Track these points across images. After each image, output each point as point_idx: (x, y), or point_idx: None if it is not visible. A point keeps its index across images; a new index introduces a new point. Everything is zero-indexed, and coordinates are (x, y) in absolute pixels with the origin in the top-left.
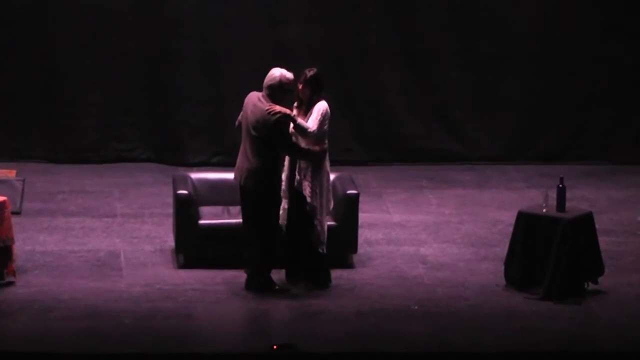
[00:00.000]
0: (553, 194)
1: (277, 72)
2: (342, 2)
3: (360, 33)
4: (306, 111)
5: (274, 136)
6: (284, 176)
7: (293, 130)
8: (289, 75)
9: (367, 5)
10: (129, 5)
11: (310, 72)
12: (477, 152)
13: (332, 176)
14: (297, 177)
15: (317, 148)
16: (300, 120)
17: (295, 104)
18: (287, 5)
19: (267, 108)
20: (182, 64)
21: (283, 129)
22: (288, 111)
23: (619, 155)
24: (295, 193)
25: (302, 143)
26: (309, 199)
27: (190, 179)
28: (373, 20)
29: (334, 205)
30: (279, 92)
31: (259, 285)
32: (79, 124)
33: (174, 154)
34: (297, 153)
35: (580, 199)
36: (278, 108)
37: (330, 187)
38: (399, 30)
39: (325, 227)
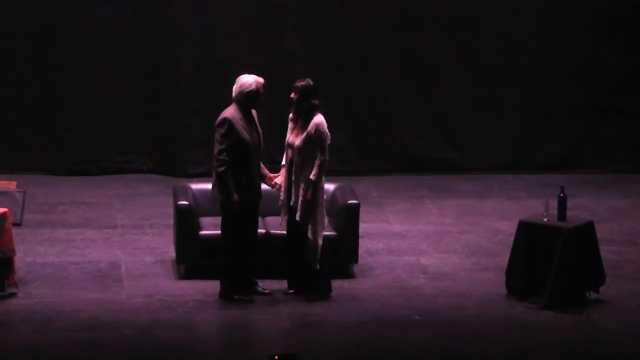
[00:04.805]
0: (554, 204)
1: (251, 79)
2: (343, 13)
3: (361, 43)
4: (303, 124)
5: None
6: (282, 187)
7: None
8: (261, 79)
9: (367, 15)
10: (128, 17)
11: (301, 83)
12: (477, 162)
13: (332, 186)
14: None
15: (234, 199)
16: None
17: (290, 116)
18: (287, 16)
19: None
20: (181, 75)
21: (217, 134)
22: (228, 116)
23: (620, 164)
24: (291, 207)
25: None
26: (298, 216)
27: (191, 189)
28: (373, 31)
29: (335, 215)
30: (255, 97)
31: (220, 292)
32: (79, 136)
33: (174, 165)
34: (215, 163)
35: (581, 208)
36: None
37: (324, 203)
38: (399, 40)
39: (319, 244)
